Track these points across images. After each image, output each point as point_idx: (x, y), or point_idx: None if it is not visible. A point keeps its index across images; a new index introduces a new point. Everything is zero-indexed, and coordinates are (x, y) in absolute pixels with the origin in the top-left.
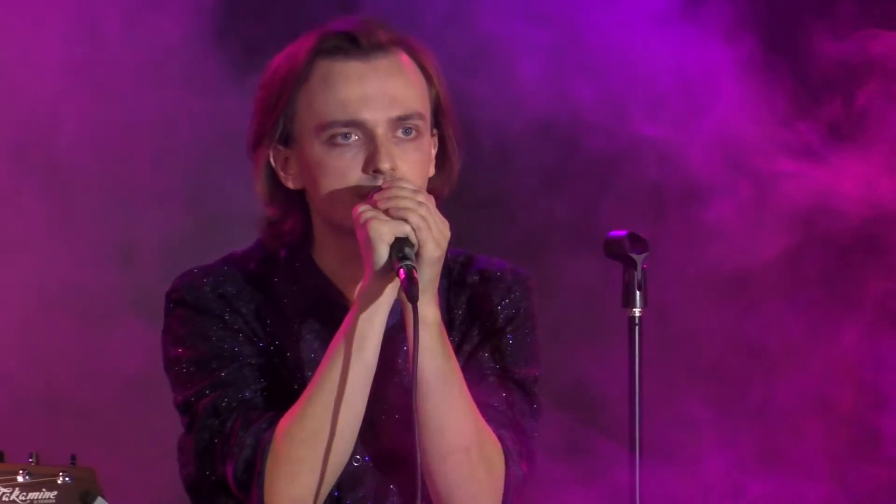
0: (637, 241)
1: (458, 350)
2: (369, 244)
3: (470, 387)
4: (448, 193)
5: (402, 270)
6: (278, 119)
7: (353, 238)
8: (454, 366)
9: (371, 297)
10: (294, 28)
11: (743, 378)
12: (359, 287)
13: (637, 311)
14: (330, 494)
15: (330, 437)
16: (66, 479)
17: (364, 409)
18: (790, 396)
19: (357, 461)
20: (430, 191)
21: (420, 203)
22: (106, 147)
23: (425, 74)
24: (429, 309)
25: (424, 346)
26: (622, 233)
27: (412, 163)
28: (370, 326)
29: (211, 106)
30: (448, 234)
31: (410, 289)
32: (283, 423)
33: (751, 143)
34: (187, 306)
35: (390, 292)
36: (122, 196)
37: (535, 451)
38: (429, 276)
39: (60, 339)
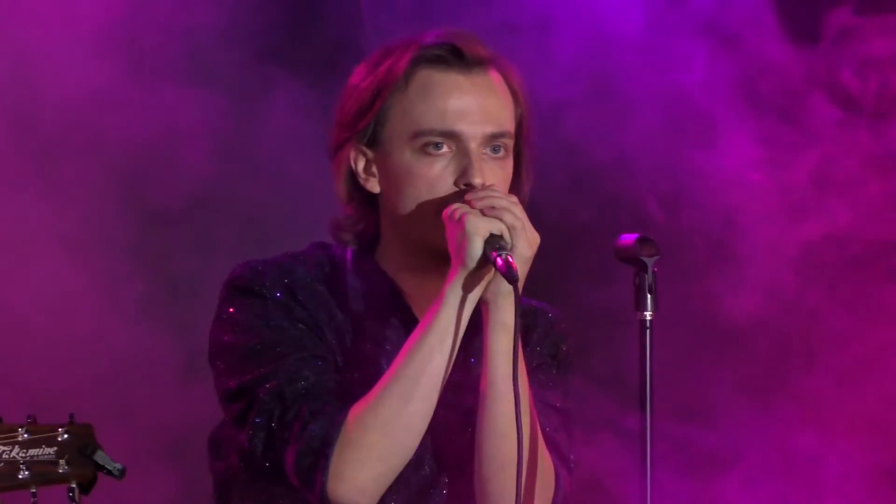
0: (647, 244)
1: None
2: (464, 237)
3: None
4: None
5: (499, 259)
6: (370, 122)
7: (423, 250)
8: (524, 374)
9: (458, 292)
10: None
11: None
12: (446, 282)
13: (648, 315)
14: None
15: (401, 427)
16: (66, 435)
17: (436, 403)
18: None
19: (424, 471)
20: None
21: (514, 203)
22: None
23: (513, 94)
24: (507, 315)
25: (501, 350)
26: (633, 236)
27: (499, 181)
28: (453, 323)
29: None
30: (538, 241)
31: (509, 271)
32: (356, 409)
33: None
34: (250, 294)
35: (479, 290)
36: None
37: (572, 475)
38: (520, 272)
39: None
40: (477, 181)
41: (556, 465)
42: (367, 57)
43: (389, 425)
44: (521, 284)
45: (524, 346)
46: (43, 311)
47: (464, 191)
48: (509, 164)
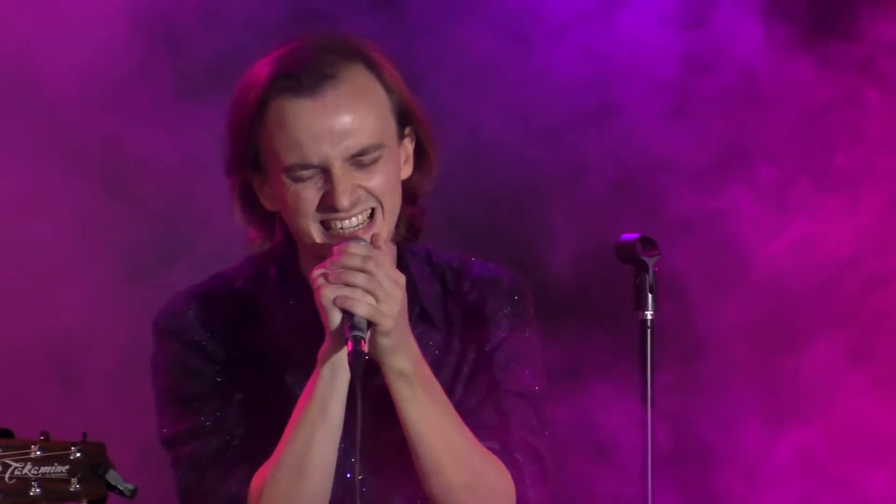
0: (648, 245)
1: (461, 361)
2: (323, 310)
3: (477, 406)
4: (429, 188)
5: (349, 343)
6: (245, 151)
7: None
8: (442, 406)
9: (331, 359)
10: None
11: None
12: (320, 350)
13: (649, 314)
14: None
15: (302, 497)
16: (78, 453)
17: (335, 464)
18: None
19: (351, 474)
20: (409, 189)
21: (369, 274)
22: None
23: (384, 85)
24: (402, 362)
25: (404, 398)
26: (633, 236)
27: (375, 183)
28: (332, 390)
29: None
30: (400, 292)
31: (355, 363)
32: (256, 483)
33: None
34: (171, 336)
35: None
36: None
37: (547, 467)
38: (393, 339)
39: None
40: (342, 205)
41: (520, 464)
42: (238, 81)
43: (289, 499)
44: (405, 334)
45: (475, 329)
46: None
47: (336, 212)
48: (386, 167)
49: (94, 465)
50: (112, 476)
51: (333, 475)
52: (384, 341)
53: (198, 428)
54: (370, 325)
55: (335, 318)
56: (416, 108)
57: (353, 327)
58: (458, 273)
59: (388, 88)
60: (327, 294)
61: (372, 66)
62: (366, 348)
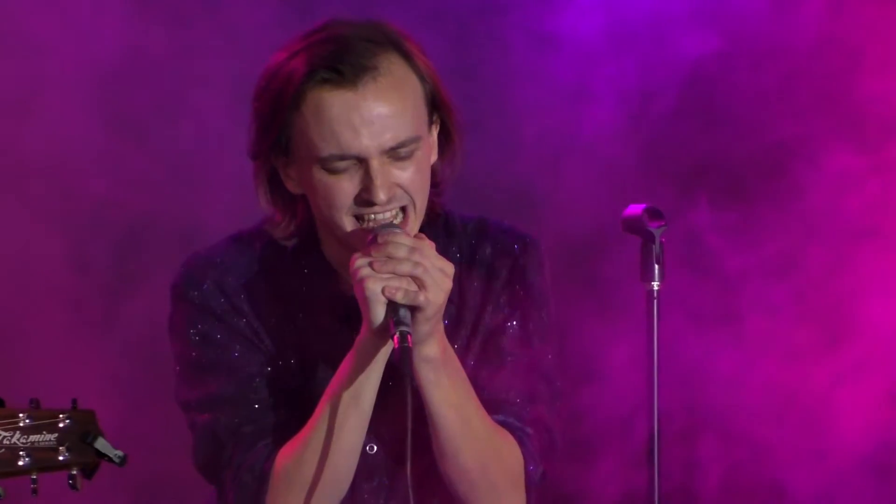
0: (655, 215)
1: (474, 330)
2: (366, 303)
3: (487, 378)
4: (454, 175)
5: (396, 338)
6: (277, 137)
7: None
8: (463, 391)
9: (368, 351)
10: None
11: None
12: (357, 339)
13: (656, 285)
14: None
15: (327, 480)
16: (67, 421)
17: (360, 449)
18: None
19: (371, 450)
20: (434, 174)
21: (416, 263)
22: None
23: (418, 74)
24: (431, 349)
25: (429, 381)
26: (640, 207)
27: (410, 178)
28: (367, 381)
29: None
30: (449, 284)
31: (402, 359)
32: (281, 462)
33: None
34: (190, 303)
35: (387, 348)
36: None
37: (557, 440)
38: (429, 327)
39: None
40: (380, 199)
41: (528, 448)
42: (266, 64)
43: (314, 480)
44: (438, 323)
45: (489, 294)
46: None
47: (370, 205)
48: (420, 159)
49: (84, 433)
50: (101, 444)
51: (358, 461)
52: (422, 328)
53: (216, 397)
54: (412, 313)
55: (379, 311)
56: (445, 94)
57: (400, 322)
58: (476, 238)
59: (422, 77)
60: (373, 286)
61: (407, 56)
62: (411, 342)
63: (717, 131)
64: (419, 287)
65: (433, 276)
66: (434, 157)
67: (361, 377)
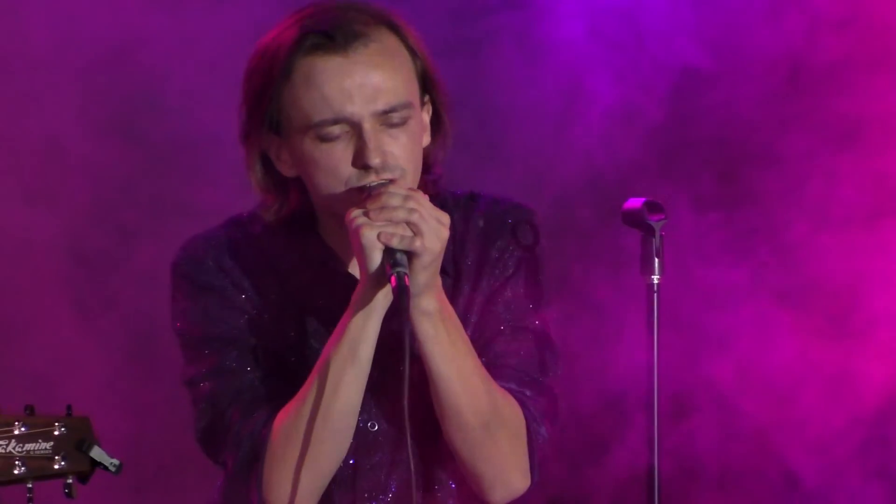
0: (655, 209)
1: (470, 301)
2: (362, 251)
3: (486, 343)
4: (444, 156)
5: (393, 278)
6: (265, 113)
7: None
8: (462, 346)
9: (366, 302)
10: None
11: None
12: (355, 291)
13: (655, 279)
14: (346, 462)
15: (324, 439)
16: (62, 429)
17: (359, 407)
18: None
19: (372, 427)
20: (426, 157)
21: (412, 210)
22: None
23: (409, 49)
24: (428, 301)
25: (428, 336)
26: (639, 200)
27: (402, 148)
28: (364, 332)
29: None
30: (445, 233)
31: (400, 298)
32: (279, 422)
33: None
34: (190, 281)
35: (384, 297)
36: None
37: (557, 405)
38: (426, 277)
39: None
40: (374, 162)
41: (530, 405)
42: (256, 44)
43: (313, 437)
44: (435, 276)
45: (485, 264)
46: None
47: (365, 172)
48: (414, 128)
49: (79, 441)
50: (97, 452)
51: (357, 418)
52: (419, 277)
53: (218, 367)
54: (409, 261)
55: (375, 257)
56: (436, 74)
57: (396, 264)
58: (468, 211)
59: (413, 53)
60: (369, 233)
61: (397, 30)
62: (409, 283)
63: (704, 139)
64: (415, 234)
65: (429, 223)
66: (427, 141)
67: (359, 331)
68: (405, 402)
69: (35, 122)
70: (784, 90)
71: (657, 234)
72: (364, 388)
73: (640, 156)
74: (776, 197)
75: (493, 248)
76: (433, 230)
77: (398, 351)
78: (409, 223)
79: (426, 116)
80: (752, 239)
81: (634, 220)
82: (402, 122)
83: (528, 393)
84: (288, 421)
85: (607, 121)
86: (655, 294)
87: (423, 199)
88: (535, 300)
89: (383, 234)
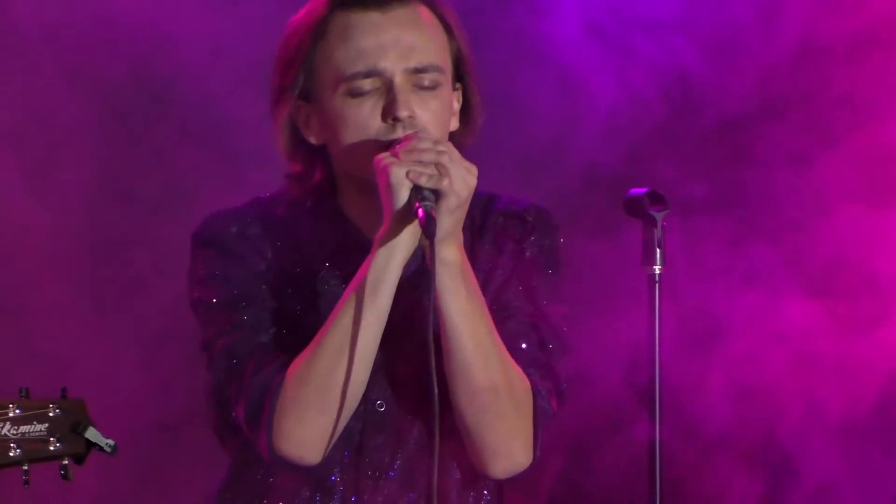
0: (657, 199)
1: (484, 287)
2: (389, 189)
3: (496, 328)
4: (471, 146)
5: (420, 210)
6: (297, 74)
7: (375, 191)
8: (479, 305)
9: (389, 242)
10: None
11: None
12: (376, 236)
13: (657, 269)
14: (352, 439)
15: (338, 382)
16: (57, 411)
17: (375, 354)
18: None
19: (380, 406)
20: (452, 143)
21: (441, 152)
22: None
23: (446, 28)
24: (450, 251)
25: (446, 287)
26: (641, 190)
27: (431, 112)
28: (386, 272)
29: None
30: (473, 181)
31: (428, 225)
32: (295, 365)
33: None
34: (211, 247)
35: (408, 238)
36: None
37: (564, 387)
38: (450, 223)
39: None
40: (402, 114)
41: (537, 382)
42: (287, 25)
43: (326, 380)
44: (458, 228)
45: (500, 255)
46: None
47: (393, 125)
48: (442, 98)
49: (74, 422)
50: (92, 433)
51: (372, 365)
52: (444, 222)
53: (235, 325)
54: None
55: (403, 195)
56: (471, 62)
57: (424, 199)
58: (486, 206)
59: (450, 32)
60: (398, 170)
61: (434, 6)
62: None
63: (696, 136)
64: (443, 175)
65: (458, 167)
66: (455, 125)
67: (381, 271)
68: (434, 392)
69: (39, 106)
70: (784, 74)
71: (659, 225)
72: (381, 332)
73: (636, 151)
74: (776, 189)
75: (511, 238)
76: (461, 175)
77: (410, 331)
78: (438, 165)
79: (456, 104)
80: (752, 235)
81: (636, 209)
82: (433, 87)
83: (535, 372)
84: (302, 365)
85: (603, 118)
86: (657, 284)
87: (453, 148)
88: (549, 294)
89: (412, 173)
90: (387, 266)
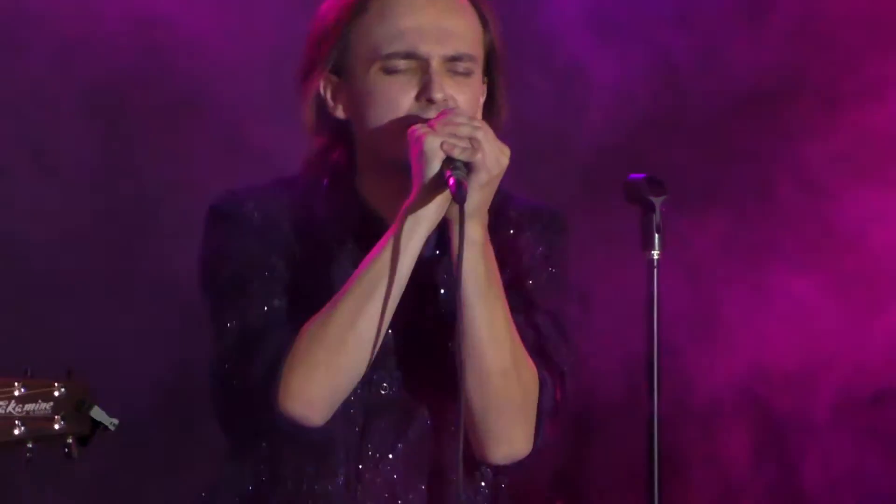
0: (655, 185)
1: None
2: (422, 157)
3: None
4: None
5: (451, 179)
6: (332, 49)
7: (397, 171)
8: (497, 289)
9: (416, 212)
10: None
11: None
12: (402, 206)
13: (656, 254)
14: (355, 420)
15: (351, 343)
16: (62, 390)
17: (389, 321)
18: None
19: (384, 390)
20: None
21: (476, 128)
22: None
23: (481, 19)
24: (474, 229)
25: (469, 267)
26: (641, 176)
27: (466, 99)
28: (409, 241)
29: None
30: (506, 161)
31: (459, 192)
32: (306, 327)
33: None
34: (228, 220)
35: (434, 209)
36: None
37: (568, 384)
38: (479, 199)
39: None
40: (438, 96)
41: (543, 373)
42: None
43: (338, 341)
44: (485, 207)
45: (512, 252)
46: None
47: (426, 106)
48: (474, 86)
49: (79, 401)
50: (96, 412)
51: (385, 331)
52: (473, 197)
53: (249, 292)
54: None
55: (435, 164)
56: (503, 56)
57: (456, 169)
58: (502, 203)
59: (485, 24)
60: (432, 140)
61: (475, 3)
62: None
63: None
64: (476, 150)
65: (492, 144)
66: (479, 117)
67: (406, 239)
68: (463, 374)
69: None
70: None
71: (657, 210)
72: (398, 300)
73: (632, 143)
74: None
75: (523, 236)
76: (494, 153)
77: (422, 311)
78: (472, 139)
79: (482, 97)
80: (753, 228)
81: (635, 194)
82: (467, 74)
83: (540, 363)
84: (316, 324)
85: (601, 107)
86: (655, 270)
87: (488, 127)
88: (558, 292)
89: (446, 144)
90: (411, 234)
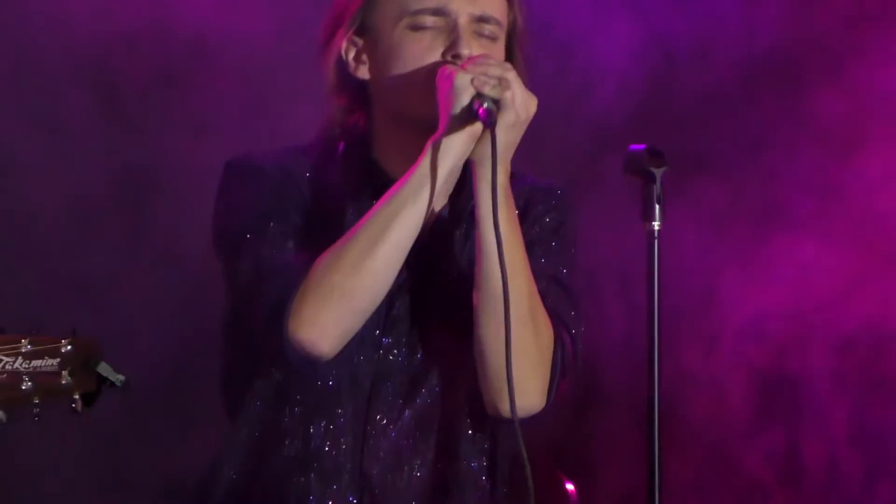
0: (656, 155)
1: None
2: (451, 92)
3: None
4: None
5: (481, 109)
6: (359, 8)
7: (415, 135)
8: (518, 235)
9: (441, 146)
10: None
11: None
12: (428, 141)
13: (656, 225)
14: (362, 385)
15: (366, 270)
16: (69, 347)
17: (406, 254)
18: None
19: (393, 356)
20: None
21: (508, 69)
22: None
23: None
24: (500, 176)
25: (489, 213)
26: (641, 147)
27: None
28: (434, 171)
29: None
30: (534, 108)
31: (489, 117)
32: (323, 255)
33: None
34: (244, 174)
35: (461, 143)
36: None
37: (580, 350)
38: (505, 141)
39: None
40: (465, 51)
41: (560, 329)
42: None
43: (354, 267)
44: (510, 151)
45: (522, 222)
46: None
47: (454, 62)
48: (498, 53)
49: (86, 358)
50: (104, 368)
51: (401, 264)
52: (501, 137)
53: (263, 238)
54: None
55: (464, 99)
56: (524, 38)
57: (486, 99)
58: (513, 180)
59: (510, 3)
60: (463, 76)
61: None
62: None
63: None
64: (506, 88)
65: (521, 88)
66: None
67: (427, 171)
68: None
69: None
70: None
71: (658, 180)
72: (416, 233)
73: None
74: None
75: (532, 210)
76: (523, 97)
77: (431, 277)
78: (502, 80)
79: None
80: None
81: (635, 166)
82: (492, 38)
83: (559, 326)
84: (332, 252)
85: (601, 90)
86: (656, 241)
87: (517, 74)
88: (567, 264)
89: (477, 80)
90: (437, 166)
